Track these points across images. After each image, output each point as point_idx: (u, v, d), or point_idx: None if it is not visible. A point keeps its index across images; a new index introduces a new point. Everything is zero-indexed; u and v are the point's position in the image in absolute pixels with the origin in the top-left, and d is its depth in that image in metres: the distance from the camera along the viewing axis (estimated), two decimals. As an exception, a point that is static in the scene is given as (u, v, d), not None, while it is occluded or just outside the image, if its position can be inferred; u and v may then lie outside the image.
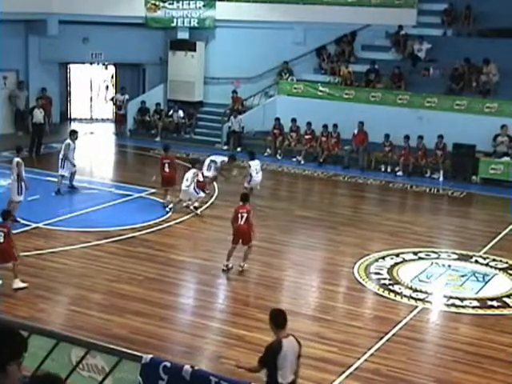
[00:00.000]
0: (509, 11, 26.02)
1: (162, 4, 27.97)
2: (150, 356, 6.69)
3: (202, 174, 18.95)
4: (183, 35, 28.66)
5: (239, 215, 14.23)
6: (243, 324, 12.08)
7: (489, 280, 14.63)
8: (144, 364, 6.60)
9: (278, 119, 26.17)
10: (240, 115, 26.68)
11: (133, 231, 16.54)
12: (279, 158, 25.17)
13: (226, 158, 20.12)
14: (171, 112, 28.03)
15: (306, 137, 25.48)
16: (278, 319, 8.34)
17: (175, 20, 28.20)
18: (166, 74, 28.84)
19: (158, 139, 27.00)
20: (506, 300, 13.60)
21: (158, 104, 28.38)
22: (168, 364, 6.73)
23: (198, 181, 18.26)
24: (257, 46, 27.40)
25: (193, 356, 10.90)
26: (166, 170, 18.65)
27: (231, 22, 27.54)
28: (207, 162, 19.84)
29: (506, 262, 15.56)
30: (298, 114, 25.87)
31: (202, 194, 18.33)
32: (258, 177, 19.23)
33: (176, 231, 17.01)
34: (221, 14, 27.82)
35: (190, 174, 18.14)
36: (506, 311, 13.12)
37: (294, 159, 24.93)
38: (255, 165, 19.30)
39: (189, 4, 28.07)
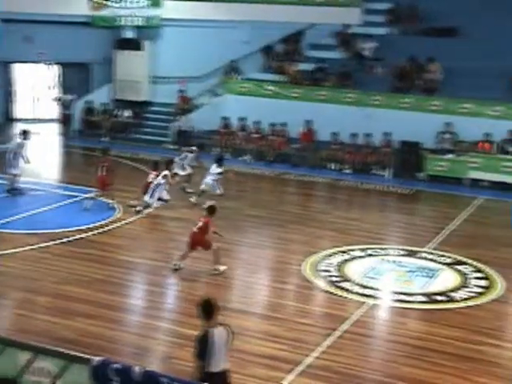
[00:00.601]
0: (452, 10, 26.48)
1: (106, 2, 27.67)
2: (100, 358, 6.61)
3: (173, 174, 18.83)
4: (129, 34, 28.44)
5: (198, 222, 14.35)
6: (193, 324, 11.93)
7: (435, 275, 14.85)
8: (94, 366, 6.52)
9: (225, 118, 26.18)
10: (188, 114, 26.61)
11: (80, 232, 16.33)
12: (228, 157, 25.15)
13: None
14: (118, 112, 27.78)
15: (255, 136, 25.53)
16: (207, 309, 8.37)
17: (121, 19, 27.93)
18: (113, 74, 28.56)
19: (105, 139, 26.73)
20: (452, 294, 13.82)
21: (104, 104, 28.10)
22: (118, 366, 6.67)
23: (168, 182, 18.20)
24: (204, 45, 27.32)
25: (143, 357, 10.81)
26: (103, 172, 18.44)
27: (178, 20, 27.40)
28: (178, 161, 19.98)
29: (452, 257, 15.82)
30: (246, 112, 25.92)
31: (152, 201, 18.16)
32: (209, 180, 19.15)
33: (125, 232, 16.85)
34: (167, 12, 27.66)
35: (160, 178, 18.04)
36: (452, 305, 13.33)
37: (243, 158, 24.96)
38: (214, 169, 19.20)
39: (134, 3, 27.85)
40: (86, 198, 18.44)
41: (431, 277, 14.75)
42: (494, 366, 11.10)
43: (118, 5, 27.80)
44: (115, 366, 6.58)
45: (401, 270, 15.11)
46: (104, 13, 27.73)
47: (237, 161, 24.51)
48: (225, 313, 12.34)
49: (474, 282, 14.53)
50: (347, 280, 14.32)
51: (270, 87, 26.65)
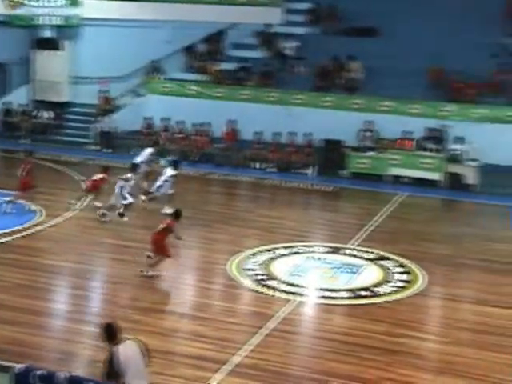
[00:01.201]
0: (371, 11, 26.93)
1: (22, 1, 27.03)
2: (23, 365, 6.47)
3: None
4: (48, 34, 27.88)
5: (160, 224, 14.25)
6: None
7: (359, 271, 15.10)
8: (17, 374, 6.38)
9: (148, 118, 25.98)
10: (110, 115, 26.29)
11: (0, 237, 15.94)
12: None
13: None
14: (38, 113, 27.22)
15: (178, 136, 25.42)
16: (109, 332, 8.15)
17: (38, 18, 27.32)
18: (32, 74, 27.96)
19: (25, 141, 26.15)
20: (376, 289, 14.07)
21: (23, 105, 27.48)
22: (42, 372, 6.54)
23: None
24: (125, 45, 27.01)
25: (68, 362, 10.62)
26: (24, 175, 18.07)
27: (99, 20, 26.99)
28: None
29: (375, 253, 16.11)
30: (169, 112, 25.79)
31: (130, 200, 17.89)
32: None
33: (47, 235, 16.52)
34: (87, 12, 27.21)
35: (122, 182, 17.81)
36: (375, 300, 13.58)
37: (166, 158, 24.78)
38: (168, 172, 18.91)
39: (52, 1, 27.30)
40: (6, 201, 18.00)
41: (355, 273, 14.98)
42: (416, 357, 11.35)
43: (35, 3, 27.21)
44: (39, 372, 6.45)
45: (325, 267, 15.29)
46: (21, 12, 27.08)
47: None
48: (152, 314, 12.30)
49: (396, 276, 14.83)
50: (273, 278, 14.40)
51: (192, 87, 26.58)
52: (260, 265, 15.09)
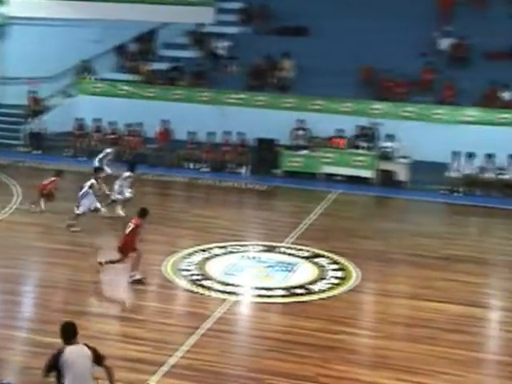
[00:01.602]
0: (302, 10, 27.13)
1: None
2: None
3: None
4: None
5: (128, 224, 14.09)
6: (52, 331, 11.60)
7: (294, 269, 15.17)
8: None
9: (79, 119, 25.59)
10: (40, 116, 25.81)
11: None
12: (83, 159, 24.58)
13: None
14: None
15: (110, 136, 25.12)
16: (63, 332, 8.01)
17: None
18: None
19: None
20: (311, 287, 14.17)
21: None
22: (-28, 380, 6.36)
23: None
24: (54, 44, 26.55)
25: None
26: None
27: (26, 19, 26.44)
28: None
29: (309, 251, 16.22)
30: (100, 113, 25.44)
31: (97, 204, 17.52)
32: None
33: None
34: (15, 10, 26.62)
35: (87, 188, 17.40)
36: (311, 297, 13.67)
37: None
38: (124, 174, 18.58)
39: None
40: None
41: (290, 271, 15.05)
42: (352, 353, 11.49)
43: (-40, 2, 26.52)
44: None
45: (261, 266, 15.33)
46: None
47: (92, 162, 23.92)
48: (86, 317, 12.10)
49: (331, 273, 14.96)
50: (208, 278, 14.36)
51: (124, 87, 26.31)
52: (195, 265, 15.03)
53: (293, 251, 16.25)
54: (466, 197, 21.97)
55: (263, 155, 23.93)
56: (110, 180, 19.18)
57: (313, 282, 14.42)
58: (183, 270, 14.72)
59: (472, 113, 23.84)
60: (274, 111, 24.71)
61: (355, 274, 14.90)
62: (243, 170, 23.95)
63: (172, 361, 10.84)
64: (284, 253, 16.19)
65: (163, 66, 27.09)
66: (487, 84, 24.26)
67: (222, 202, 21.30)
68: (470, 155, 22.58)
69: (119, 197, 18.33)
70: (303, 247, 16.47)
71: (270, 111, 24.69)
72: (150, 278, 14.39)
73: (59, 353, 7.84)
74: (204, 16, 28.06)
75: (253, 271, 15.03)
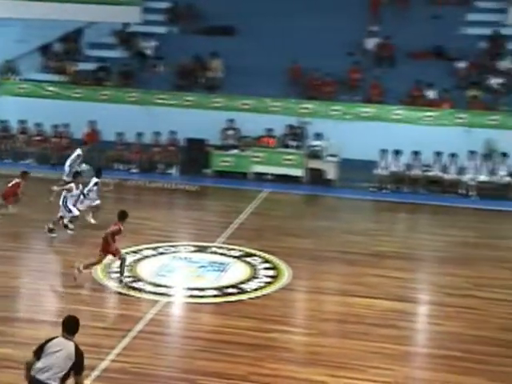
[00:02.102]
0: (229, 10, 27.18)
1: None
2: None
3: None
4: None
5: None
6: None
7: (226, 268, 15.18)
8: None
9: (3, 121, 25.04)
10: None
11: None
12: (8, 161, 24.06)
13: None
14: None
15: (36, 138, 24.64)
16: (63, 323, 8.35)
17: None
18: None
19: None
20: (243, 286, 14.19)
21: None
22: None
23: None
24: (-24, 44, 25.91)
25: None
26: None
27: None
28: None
29: (241, 250, 16.25)
30: (25, 115, 24.94)
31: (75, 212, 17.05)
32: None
33: None
34: None
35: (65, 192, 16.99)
36: (243, 297, 13.69)
37: (24, 162, 23.99)
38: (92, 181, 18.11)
39: None
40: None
41: (222, 270, 15.04)
42: (285, 351, 11.54)
43: None
44: None
45: (192, 266, 15.27)
46: None
47: (18, 164, 23.47)
48: (14, 323, 11.84)
49: (262, 272, 15.01)
50: (139, 280, 14.23)
51: (50, 88, 25.86)
52: (126, 267, 14.84)
53: (224, 251, 16.25)
54: (394, 194, 22.39)
55: (193, 155, 23.86)
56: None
57: (245, 282, 14.44)
58: (114, 272, 14.54)
59: (398, 111, 24.31)
60: (204, 111, 24.69)
61: (287, 273, 14.99)
62: (173, 171, 23.84)
63: (104, 365, 10.68)
64: (215, 253, 16.17)
65: (90, 66, 26.73)
66: (412, 83, 24.77)
67: (153, 203, 21.13)
68: (397, 153, 23.01)
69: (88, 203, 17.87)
70: (235, 247, 16.48)
71: (199, 111, 24.66)
72: (81, 282, 14.16)
73: (51, 338, 8.19)
74: (131, 15, 27.84)
75: (184, 272, 14.97)
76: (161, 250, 16.12)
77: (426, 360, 11.74)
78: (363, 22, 26.54)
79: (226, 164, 23.75)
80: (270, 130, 24.05)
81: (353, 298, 13.83)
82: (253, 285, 14.30)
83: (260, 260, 15.71)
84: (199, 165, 23.79)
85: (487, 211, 21.07)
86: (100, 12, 27.35)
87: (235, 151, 23.91)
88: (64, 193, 17.01)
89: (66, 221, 17.07)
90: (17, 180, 17.89)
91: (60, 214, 16.99)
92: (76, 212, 17.02)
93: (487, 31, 26.52)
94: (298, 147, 23.77)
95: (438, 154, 22.78)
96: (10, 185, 17.85)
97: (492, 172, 22.68)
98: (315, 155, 23.38)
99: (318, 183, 22.90)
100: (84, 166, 20.22)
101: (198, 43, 26.59)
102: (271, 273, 15.01)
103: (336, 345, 11.77)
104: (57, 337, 8.24)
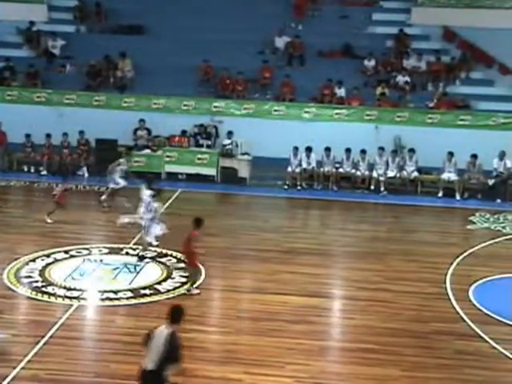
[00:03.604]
0: (138, 9, 26.93)
1: None
2: None
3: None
4: None
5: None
6: None
7: (140, 270, 15.03)
8: None
9: None
10: None
11: None
12: None
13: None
14: None
15: None
16: (169, 314, 8.90)
17: None
18: None
19: None
20: (157, 287, 14.09)
21: None
22: None
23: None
24: None
25: None
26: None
27: None
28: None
29: (155, 251, 16.12)
30: None
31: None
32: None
33: None
34: None
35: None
36: (158, 297, 13.59)
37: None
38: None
39: None
40: None
41: (136, 272, 14.89)
42: (201, 351, 11.52)
43: None
44: None
45: (106, 268, 15.06)
46: None
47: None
48: None
49: (177, 272, 14.94)
50: (52, 284, 13.95)
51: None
52: (37, 271, 14.54)
53: (138, 252, 16.06)
54: (306, 191, 22.65)
55: (104, 156, 23.47)
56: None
57: (159, 282, 14.34)
58: (25, 276, 14.20)
59: (309, 109, 24.59)
60: (114, 111, 24.36)
61: (201, 272, 14.96)
62: (84, 172, 23.42)
63: (16, 373, 10.42)
64: (129, 254, 15.99)
65: (-5, 65, 25.98)
66: (323, 81, 25.12)
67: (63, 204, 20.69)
68: (309, 150, 23.28)
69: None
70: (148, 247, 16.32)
71: (110, 111, 24.32)
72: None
73: (150, 332, 8.93)
74: (36, 14, 27.22)
75: (98, 274, 14.74)
76: (73, 252, 15.82)
77: (340, 354, 11.95)
78: (274, 20, 26.72)
79: (138, 164, 23.48)
80: (181, 129, 23.94)
81: (267, 295, 13.93)
82: (168, 285, 14.22)
83: (175, 260, 15.63)
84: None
85: (397, 206, 21.58)
86: (4, 10, 26.62)
87: (147, 151, 23.69)
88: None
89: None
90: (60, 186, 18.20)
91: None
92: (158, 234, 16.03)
93: (393, 30, 27.19)
94: (210, 146, 23.76)
95: (349, 150, 23.19)
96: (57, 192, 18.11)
97: (401, 168, 23.23)
98: (228, 154, 23.41)
99: (230, 182, 22.94)
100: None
101: (106, 42, 26.21)
102: (186, 273, 14.95)
103: (252, 342, 11.83)
104: (161, 325, 8.81)
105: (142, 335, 9.02)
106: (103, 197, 19.65)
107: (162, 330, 8.78)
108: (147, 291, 13.87)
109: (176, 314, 8.87)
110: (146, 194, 16.24)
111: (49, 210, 18.02)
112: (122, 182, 19.63)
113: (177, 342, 8.73)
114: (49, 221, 17.81)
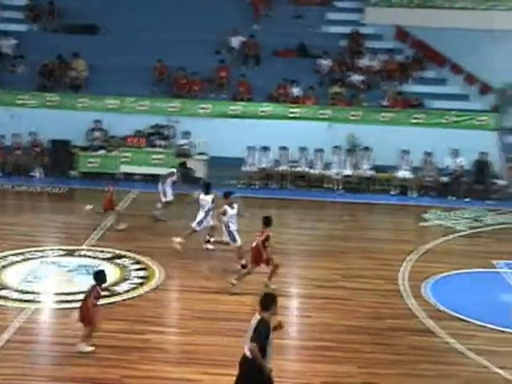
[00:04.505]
0: (91, 7, 26.66)
1: None
2: None
3: None
4: None
5: (256, 237, 14.07)
6: None
7: (96, 271, 14.89)
8: None
9: None
10: None
11: None
12: None
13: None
14: None
15: None
16: (262, 300, 9.10)
17: None
18: None
19: None
20: (114, 288, 13.94)
21: None
22: None
23: None
24: None
25: None
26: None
27: None
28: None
29: (111, 252, 16.00)
30: None
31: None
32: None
33: None
34: None
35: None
36: (115, 299, 13.48)
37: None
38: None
39: None
40: None
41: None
42: (159, 352, 11.48)
43: None
44: None
45: (61, 271, 14.91)
46: None
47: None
48: None
49: (134, 273, 14.86)
50: (5, 288, 13.75)
51: None
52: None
53: (94, 253, 15.95)
54: (262, 190, 22.69)
55: (58, 157, 23.26)
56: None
57: (116, 284, 14.24)
58: (-20, 280, 14.00)
59: (265, 108, 24.62)
60: (68, 111, 24.06)
61: (158, 273, 14.91)
62: (37, 173, 23.13)
63: (-31, 379, 10.27)
64: (85, 256, 15.85)
65: None
66: (278, 80, 25.19)
67: (17, 207, 20.48)
68: (265, 149, 23.34)
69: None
70: (104, 249, 16.21)
71: (64, 112, 24.00)
72: None
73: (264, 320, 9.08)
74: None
75: (53, 277, 14.58)
76: (27, 255, 15.62)
77: (298, 352, 12.01)
78: (229, 20, 26.70)
79: (93, 165, 23.29)
80: (137, 129, 23.79)
81: (224, 295, 13.93)
82: (124, 286, 14.13)
83: (131, 261, 15.54)
84: (65, 166, 23.22)
85: (353, 204, 21.77)
86: None
87: (102, 152, 23.50)
88: (221, 217, 15.59)
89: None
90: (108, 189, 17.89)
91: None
92: (239, 243, 15.48)
93: (347, 30, 27.37)
94: (166, 146, 23.65)
95: (304, 149, 23.28)
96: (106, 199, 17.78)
97: (356, 166, 23.43)
98: (184, 154, 23.34)
99: (187, 181, 22.83)
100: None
101: (59, 42, 25.88)
102: (143, 273, 14.88)
103: (210, 342, 11.82)
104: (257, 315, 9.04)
105: None
106: (156, 212, 18.89)
107: (256, 318, 9.03)
108: (104, 293, 13.69)
109: (266, 302, 9.06)
110: (206, 199, 16.43)
111: None
112: (171, 196, 18.92)
113: (263, 328, 8.90)
114: None
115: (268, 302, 9.10)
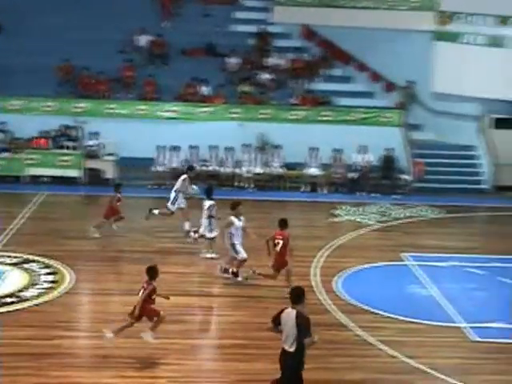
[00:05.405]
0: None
1: None
2: None
3: None
4: None
5: (275, 241, 14.10)
6: None
7: (2, 277, 14.47)
8: None
9: None
10: None
11: None
12: None
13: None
14: None
15: None
16: (291, 296, 9.27)
17: None
18: None
19: None
20: (22, 294, 13.61)
21: None
22: None
23: None
24: None
25: None
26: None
27: None
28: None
29: (19, 257, 15.58)
30: None
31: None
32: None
33: None
34: None
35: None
36: (23, 305, 13.13)
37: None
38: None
39: None
40: None
41: (0, 279, 14.34)
42: (69, 357, 11.24)
43: None
44: None
45: (-34, 278, 14.42)
46: None
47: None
48: None
49: (43, 278, 14.51)
50: None
51: None
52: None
53: (1, 258, 15.47)
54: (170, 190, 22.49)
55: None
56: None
57: (24, 289, 13.87)
58: None
59: (173, 108, 24.49)
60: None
61: (69, 276, 14.61)
62: None
63: None
64: (-5, 261, 15.37)
65: None
66: (186, 79, 25.10)
67: None
68: (175, 149, 23.21)
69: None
70: (11, 254, 15.77)
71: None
72: None
73: (281, 311, 9.49)
74: None
75: (-43, 284, 14.08)
76: None
77: (214, 351, 12.00)
78: (135, 19, 26.44)
79: (-3, 167, 22.66)
80: (43, 131, 23.27)
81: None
82: (33, 292, 13.78)
83: (40, 265, 15.17)
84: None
85: (264, 202, 21.90)
86: None
87: (7, 154, 22.89)
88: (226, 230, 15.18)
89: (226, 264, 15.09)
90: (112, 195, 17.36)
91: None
92: (244, 254, 14.99)
93: (255, 28, 27.54)
94: (74, 148, 23.21)
95: (215, 148, 23.27)
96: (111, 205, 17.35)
97: (266, 164, 23.59)
98: (92, 155, 23.00)
99: (96, 183, 22.52)
100: (194, 188, 18.10)
101: None
102: (52, 278, 14.55)
103: (123, 345, 11.63)
104: (284, 309, 9.27)
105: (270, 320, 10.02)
106: (155, 211, 18.18)
107: (289, 313, 9.13)
108: (11, 299, 13.36)
109: (296, 295, 9.23)
110: (205, 204, 16.37)
111: None
112: (183, 203, 18.23)
113: (304, 321, 9.05)
114: None
115: (299, 294, 9.30)
